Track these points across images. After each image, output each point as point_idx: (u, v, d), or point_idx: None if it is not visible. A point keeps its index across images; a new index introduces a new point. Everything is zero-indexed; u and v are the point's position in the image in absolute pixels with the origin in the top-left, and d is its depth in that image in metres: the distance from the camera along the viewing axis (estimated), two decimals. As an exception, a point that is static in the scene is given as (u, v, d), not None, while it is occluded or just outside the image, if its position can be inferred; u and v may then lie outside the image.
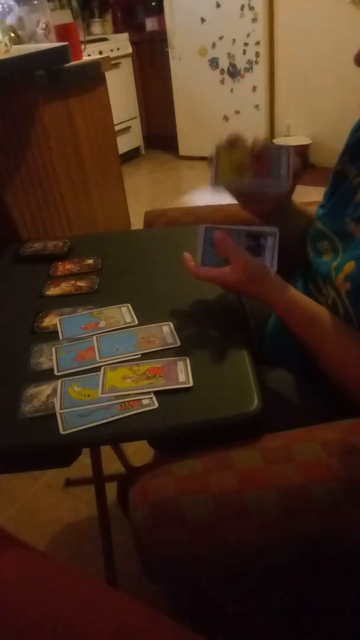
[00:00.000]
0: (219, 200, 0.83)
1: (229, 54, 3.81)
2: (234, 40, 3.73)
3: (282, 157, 0.78)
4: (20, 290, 0.99)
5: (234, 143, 0.79)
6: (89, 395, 0.68)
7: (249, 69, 3.79)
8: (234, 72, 3.86)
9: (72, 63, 1.80)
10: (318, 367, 0.73)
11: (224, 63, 3.87)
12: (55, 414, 0.65)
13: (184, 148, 4.40)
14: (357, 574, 0.70)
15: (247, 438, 0.64)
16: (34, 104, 1.68)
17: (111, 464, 1.38)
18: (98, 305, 0.88)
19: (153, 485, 0.59)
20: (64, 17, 3.91)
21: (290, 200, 0.89)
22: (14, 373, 0.75)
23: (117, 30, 4.42)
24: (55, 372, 0.73)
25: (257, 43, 3.65)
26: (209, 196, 0.86)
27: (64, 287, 0.96)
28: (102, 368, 0.73)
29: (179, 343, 0.77)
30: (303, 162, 0.87)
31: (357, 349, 0.69)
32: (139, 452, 1.41)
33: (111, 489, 1.26)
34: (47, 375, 0.73)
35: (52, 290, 0.95)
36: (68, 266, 1.03)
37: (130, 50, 4.21)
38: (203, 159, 4.32)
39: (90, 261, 1.04)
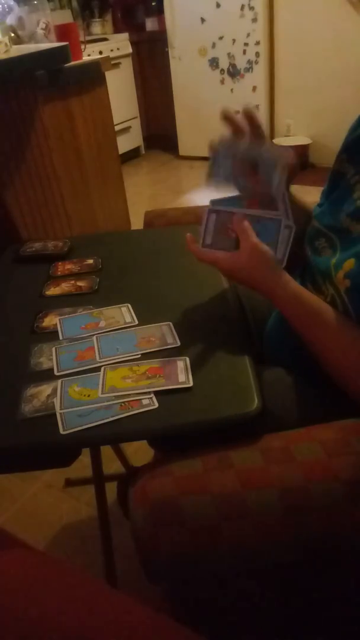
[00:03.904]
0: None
1: (229, 54, 3.80)
2: (234, 40, 3.73)
3: (272, 168, 0.75)
4: (20, 290, 0.99)
5: (234, 138, 0.78)
6: (89, 395, 0.68)
7: (249, 69, 3.79)
8: (234, 72, 3.86)
9: (72, 63, 1.80)
10: (318, 366, 0.73)
11: (224, 63, 3.87)
12: (55, 414, 0.65)
13: (184, 148, 4.40)
14: (357, 573, 0.70)
15: (247, 438, 0.64)
16: (34, 104, 1.68)
17: (111, 464, 1.38)
18: (98, 305, 0.88)
19: (153, 486, 0.59)
20: (64, 17, 3.91)
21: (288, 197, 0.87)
22: (14, 373, 0.75)
23: (117, 30, 4.42)
24: (55, 372, 0.73)
25: (257, 43, 3.65)
26: (209, 196, 0.85)
27: (64, 287, 0.96)
28: (102, 368, 0.73)
29: (179, 343, 0.76)
30: (300, 163, 0.85)
31: (359, 346, 0.69)
32: (139, 452, 1.41)
33: (111, 489, 1.25)
34: (47, 375, 0.73)
35: (52, 290, 0.95)
36: (68, 266, 1.03)
37: (130, 50, 4.21)
38: (203, 159, 4.31)
39: (90, 261, 1.04)
